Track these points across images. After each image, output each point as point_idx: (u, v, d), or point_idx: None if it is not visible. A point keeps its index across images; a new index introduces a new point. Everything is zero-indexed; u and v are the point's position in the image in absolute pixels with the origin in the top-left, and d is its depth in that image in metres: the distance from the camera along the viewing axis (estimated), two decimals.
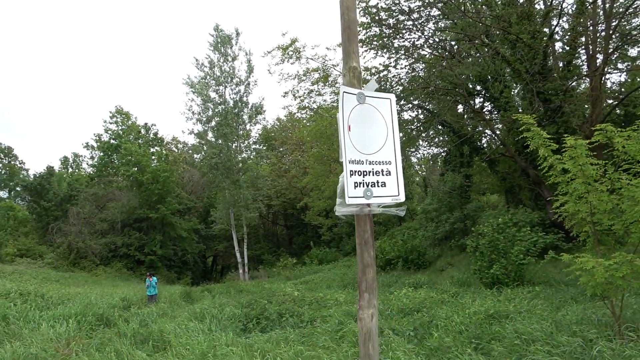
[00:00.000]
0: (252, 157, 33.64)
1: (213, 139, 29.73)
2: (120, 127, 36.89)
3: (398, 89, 16.65)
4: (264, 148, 41.82)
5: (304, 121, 35.02)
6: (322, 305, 10.69)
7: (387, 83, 16.58)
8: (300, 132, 34.81)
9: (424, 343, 6.05)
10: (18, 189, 50.31)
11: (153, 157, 35.62)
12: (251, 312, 10.14)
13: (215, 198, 37.10)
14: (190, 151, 47.11)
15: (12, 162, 50.40)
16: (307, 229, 42.19)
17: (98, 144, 37.22)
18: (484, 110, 19.20)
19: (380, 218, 28.93)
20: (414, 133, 19.86)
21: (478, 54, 15.50)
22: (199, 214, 41.02)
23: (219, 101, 28.58)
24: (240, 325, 9.16)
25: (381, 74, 16.56)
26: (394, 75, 16.97)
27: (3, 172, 49.33)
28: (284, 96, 22.80)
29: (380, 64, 18.53)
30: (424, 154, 25.72)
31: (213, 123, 28.85)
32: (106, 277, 31.10)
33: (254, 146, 35.14)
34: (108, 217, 33.39)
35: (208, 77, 28.79)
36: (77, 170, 48.81)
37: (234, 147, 29.82)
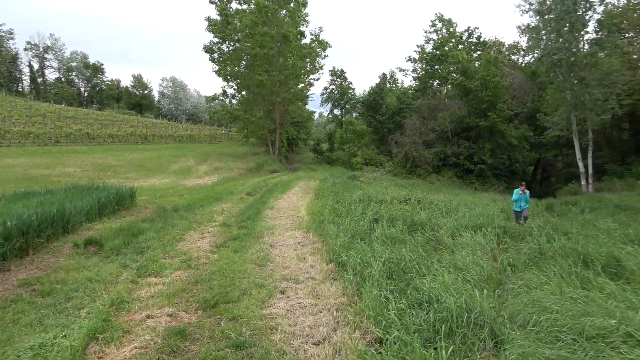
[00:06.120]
0: (595, 48, 30.42)
1: (545, 33, 28.56)
2: (441, 36, 39.86)
3: None
4: (602, 36, 36.68)
5: None
6: None
7: None
8: None
9: None
10: (347, 106, 62.81)
11: (477, 63, 37.21)
12: None
13: (541, 102, 36.08)
14: (507, 52, 46.38)
15: (343, 83, 62.72)
16: None
17: (420, 55, 41.55)
18: None
19: None
20: None
21: None
22: (520, 120, 40.84)
23: None
24: None
25: None
26: None
27: (337, 93, 62.42)
28: None
29: None
30: None
31: (552, 15, 27.60)
32: (439, 184, 36.13)
33: (588, 35, 31.26)
34: (437, 127, 37.88)
35: None
36: (394, 86, 56.34)
37: (577, 38, 27.85)
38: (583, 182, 28.65)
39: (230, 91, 40.27)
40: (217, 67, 37.89)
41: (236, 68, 38.21)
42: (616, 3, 35.47)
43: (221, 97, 41.22)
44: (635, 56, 35.50)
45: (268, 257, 7.89)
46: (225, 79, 38.76)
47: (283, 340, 4.50)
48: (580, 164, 28.65)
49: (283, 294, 5.95)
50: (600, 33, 28.77)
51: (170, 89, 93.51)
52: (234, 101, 41.89)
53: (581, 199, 21.56)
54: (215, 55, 37.53)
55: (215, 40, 37.07)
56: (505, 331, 4.76)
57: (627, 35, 37.19)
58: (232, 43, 37.75)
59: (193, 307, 5.43)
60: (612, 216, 14.38)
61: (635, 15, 36.04)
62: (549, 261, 8.26)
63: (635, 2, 36.96)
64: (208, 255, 8.06)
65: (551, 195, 31.13)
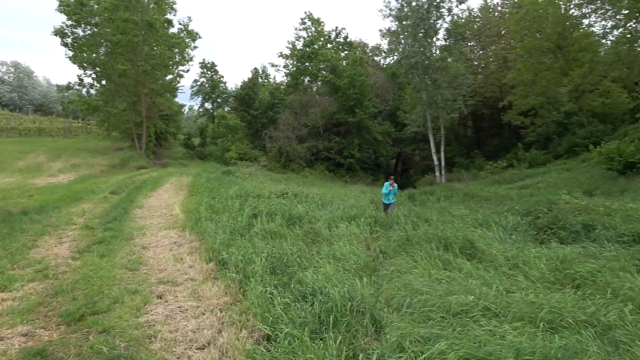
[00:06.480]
0: (445, 53, 34.09)
1: (403, 38, 31.32)
2: (310, 34, 40.97)
3: None
4: (450, 43, 41.41)
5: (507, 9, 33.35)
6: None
7: None
8: (509, 20, 33.42)
9: None
10: (219, 100, 61.14)
11: (344, 62, 39.04)
12: (536, 220, 10.26)
13: (401, 101, 39.45)
14: (371, 53, 49.55)
15: (214, 76, 60.83)
16: (503, 131, 42.01)
17: (291, 52, 42.25)
18: None
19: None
20: None
21: None
22: (383, 117, 44.00)
23: None
24: (532, 234, 9.54)
25: None
26: None
27: (207, 86, 60.39)
28: None
29: None
30: None
31: (409, 22, 30.25)
32: (313, 178, 37.18)
33: (439, 42, 35.11)
34: (309, 123, 38.90)
35: None
36: (266, 81, 56.37)
37: (430, 43, 30.96)
38: (437, 173, 31.77)
39: (88, 80, 36.32)
40: (71, 53, 33.80)
41: (94, 55, 34.51)
42: (461, 15, 40.13)
43: (77, 87, 36.95)
44: (476, 63, 40.59)
45: (141, 260, 7.28)
46: (81, 67, 34.76)
47: (164, 349, 4.18)
48: (435, 157, 31.70)
49: (160, 298, 5.53)
50: (448, 40, 32.09)
51: (12, 75, 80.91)
52: (92, 91, 37.80)
53: (437, 188, 23.77)
54: (69, 40, 33.40)
55: (69, 23, 32.97)
56: (384, 315, 5.03)
57: (469, 43, 42.35)
58: (89, 27, 33.98)
59: (54, 323, 4.76)
60: (462, 203, 16.08)
61: (475, 26, 41.14)
62: (416, 247, 8.98)
63: (475, 15, 42.20)
64: (69, 263, 7.15)
65: (411, 185, 34.07)
